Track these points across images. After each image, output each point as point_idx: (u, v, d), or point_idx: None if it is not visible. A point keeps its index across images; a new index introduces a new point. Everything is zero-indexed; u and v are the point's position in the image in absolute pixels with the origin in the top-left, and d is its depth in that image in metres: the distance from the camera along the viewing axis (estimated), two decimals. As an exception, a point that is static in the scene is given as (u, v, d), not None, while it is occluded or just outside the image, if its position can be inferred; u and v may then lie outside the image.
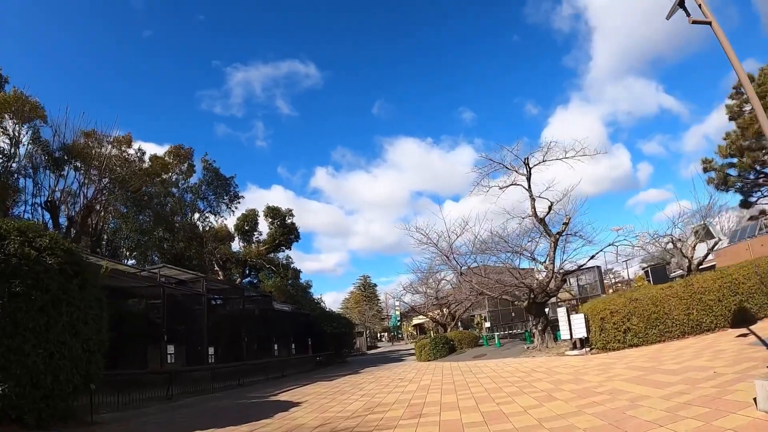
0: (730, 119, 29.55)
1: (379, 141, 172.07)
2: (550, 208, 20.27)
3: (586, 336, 17.35)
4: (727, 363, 9.38)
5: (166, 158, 35.66)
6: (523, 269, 23.01)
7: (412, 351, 32.80)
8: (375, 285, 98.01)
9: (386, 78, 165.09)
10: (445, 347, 27.24)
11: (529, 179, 20.59)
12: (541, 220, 20.38)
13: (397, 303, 64.69)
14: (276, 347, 27.84)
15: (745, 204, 30.41)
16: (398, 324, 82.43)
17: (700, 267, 21.01)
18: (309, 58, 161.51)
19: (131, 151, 32.53)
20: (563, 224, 20.17)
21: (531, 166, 20.38)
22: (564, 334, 18.43)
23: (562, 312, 18.79)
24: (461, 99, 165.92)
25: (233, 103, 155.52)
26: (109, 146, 29.19)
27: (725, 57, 7.83)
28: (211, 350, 20.87)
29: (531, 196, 20.69)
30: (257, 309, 29.25)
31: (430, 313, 37.58)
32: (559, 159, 19.67)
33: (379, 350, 64.96)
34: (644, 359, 12.54)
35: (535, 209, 20.59)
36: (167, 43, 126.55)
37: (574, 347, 17.78)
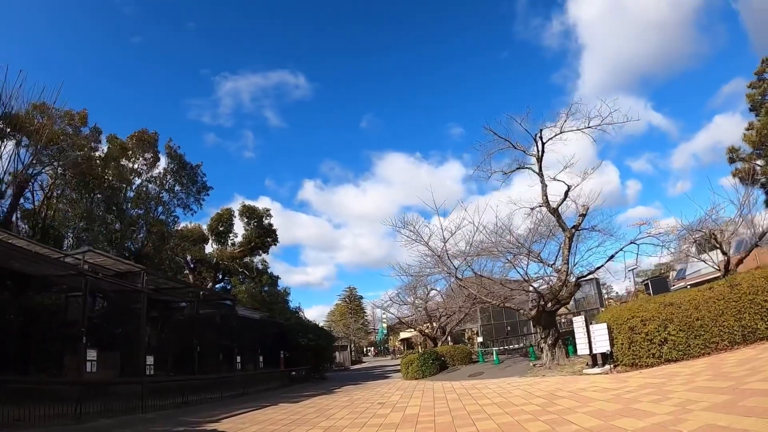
0: (751, 110, 27.42)
1: (368, 155, 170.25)
2: (566, 193, 16.74)
3: (609, 350, 14.02)
4: None
5: (128, 143, 31.89)
6: (517, 281, 19.49)
7: (399, 367, 29.17)
8: (361, 297, 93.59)
9: (376, 92, 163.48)
10: (435, 364, 23.68)
11: (540, 159, 17.14)
12: (554, 211, 16.90)
13: (383, 315, 61.09)
14: (239, 360, 24.06)
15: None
16: (385, 338, 78.79)
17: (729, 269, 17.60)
18: (299, 69, 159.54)
19: (87, 131, 29.13)
20: (580, 216, 16.74)
21: (545, 140, 16.92)
22: (581, 348, 15.00)
23: (579, 322, 15.35)
24: (450, 115, 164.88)
25: (222, 113, 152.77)
26: (59, 120, 25.56)
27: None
28: (150, 360, 17.18)
29: (542, 180, 17.23)
30: (218, 314, 25.53)
31: (419, 327, 33.83)
32: (580, 130, 16.24)
33: (363, 365, 61.49)
34: (705, 377, 9.21)
35: (547, 196, 17.13)
36: (156, 49, 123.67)
37: (594, 364, 14.41)
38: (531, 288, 17.38)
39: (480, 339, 34.93)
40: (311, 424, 10.75)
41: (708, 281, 20.74)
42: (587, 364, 14.91)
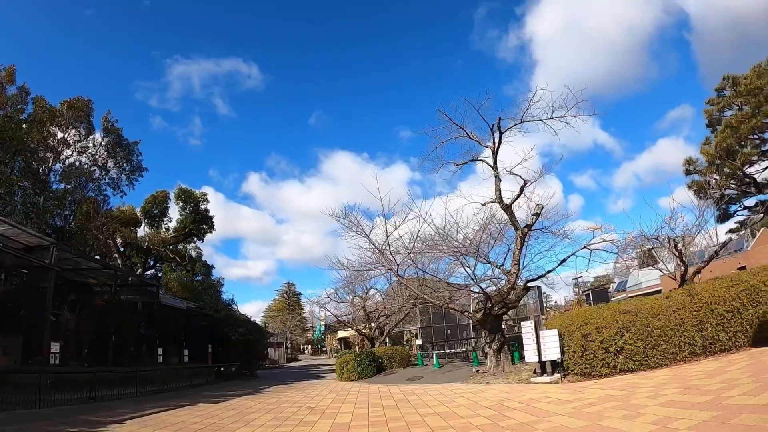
0: (708, 125, 27.44)
1: (315, 152, 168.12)
2: (522, 188, 15.65)
3: (560, 358, 13.08)
4: None
5: (60, 109, 28.83)
6: (462, 283, 18.36)
7: (335, 367, 27.67)
8: (299, 293, 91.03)
9: (328, 89, 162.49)
10: (372, 365, 22.37)
11: (496, 152, 15.95)
12: (508, 207, 15.79)
13: (321, 313, 59.38)
14: (161, 352, 21.97)
15: (725, 216, 27.50)
16: (322, 336, 77.00)
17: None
18: (252, 59, 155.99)
19: (14, 90, 26.46)
20: (534, 215, 15.71)
21: (503, 130, 15.73)
22: (530, 355, 14.00)
23: (527, 327, 14.33)
24: (400, 116, 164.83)
25: (170, 97, 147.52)
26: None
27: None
28: (55, 347, 15.05)
29: (496, 174, 16.03)
30: (139, 301, 23.36)
31: (357, 327, 32.36)
32: (542, 120, 15.10)
33: (299, 363, 59.84)
34: (674, 390, 8.33)
35: (500, 192, 16.00)
36: (107, 24, 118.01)
37: (543, 372, 13.45)
38: (478, 288, 16.26)
39: (419, 341, 34.01)
40: (226, 431, 9.23)
41: (650, 294, 20.36)
42: (534, 372, 13.96)
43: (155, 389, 18.21)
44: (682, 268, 16.81)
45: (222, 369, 27.84)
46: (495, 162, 15.97)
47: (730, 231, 25.68)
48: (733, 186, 23.73)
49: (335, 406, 12.13)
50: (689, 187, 26.64)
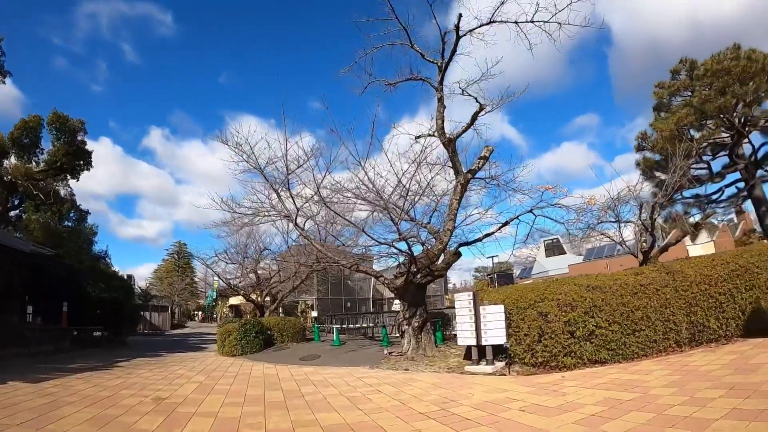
0: (656, 108, 26.66)
1: (221, 113, 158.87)
2: (475, 116, 11.99)
3: (506, 342, 9.89)
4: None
5: None
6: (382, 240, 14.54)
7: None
8: (191, 255, 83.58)
9: (242, 48, 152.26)
10: (259, 338, 18.34)
11: (445, 67, 12.02)
12: (451, 142, 12.09)
13: (215, 279, 54.18)
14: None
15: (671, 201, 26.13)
16: (213, 303, 71.34)
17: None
18: (168, 6, 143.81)
19: None
20: (480, 158, 12.29)
21: (461, 34, 11.45)
22: (465, 337, 10.69)
23: (464, 300, 11.00)
24: (312, 87, 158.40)
25: (76, 37, 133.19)
26: None
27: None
28: None
29: (441, 96, 12.16)
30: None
31: (246, 293, 27.91)
32: (519, 23, 10.83)
33: (185, 331, 54.40)
34: (723, 391, 5.37)
35: (443, 120, 12.18)
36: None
37: (480, 359, 10.27)
38: (405, 246, 12.56)
39: (315, 313, 30.50)
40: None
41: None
42: (466, 358, 10.85)
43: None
44: (645, 243, 14.18)
45: (80, 334, 22.80)
46: (441, 81, 12.17)
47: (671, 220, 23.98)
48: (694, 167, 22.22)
49: (196, 399, 8.23)
50: (637, 165, 25.00)
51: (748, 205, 26.70)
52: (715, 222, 31.70)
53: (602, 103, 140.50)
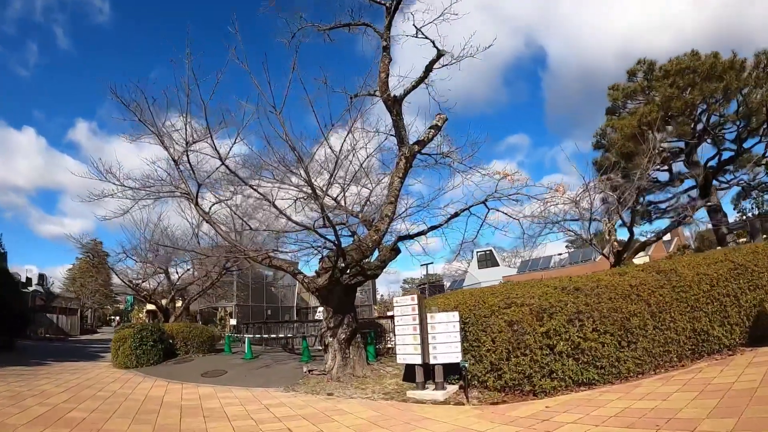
0: (609, 111, 26.47)
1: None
2: (429, 66, 9.44)
3: (462, 361, 7.51)
4: None
5: None
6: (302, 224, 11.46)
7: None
8: (107, 254, 76.87)
9: (177, 42, 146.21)
10: (158, 347, 15.15)
11: (394, 9, 9.35)
12: (395, 102, 9.55)
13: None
14: None
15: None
16: (130, 308, 66.13)
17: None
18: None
19: None
20: (431, 128, 9.93)
21: None
22: (407, 354, 8.25)
23: (405, 305, 8.58)
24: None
25: (6, 16, 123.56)
26: None
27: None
28: None
29: (386, 44, 9.59)
30: None
31: (146, 293, 24.15)
32: None
33: (95, 336, 49.58)
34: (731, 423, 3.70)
35: (387, 75, 9.57)
36: None
37: (427, 381, 7.94)
38: (332, 234, 9.73)
39: (233, 321, 27.45)
40: None
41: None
42: (408, 380, 8.50)
43: None
44: (617, 244, 12.27)
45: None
46: (389, 26, 9.57)
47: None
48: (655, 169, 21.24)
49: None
50: (594, 163, 23.83)
51: (702, 213, 26.33)
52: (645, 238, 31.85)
53: (533, 123, 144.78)
